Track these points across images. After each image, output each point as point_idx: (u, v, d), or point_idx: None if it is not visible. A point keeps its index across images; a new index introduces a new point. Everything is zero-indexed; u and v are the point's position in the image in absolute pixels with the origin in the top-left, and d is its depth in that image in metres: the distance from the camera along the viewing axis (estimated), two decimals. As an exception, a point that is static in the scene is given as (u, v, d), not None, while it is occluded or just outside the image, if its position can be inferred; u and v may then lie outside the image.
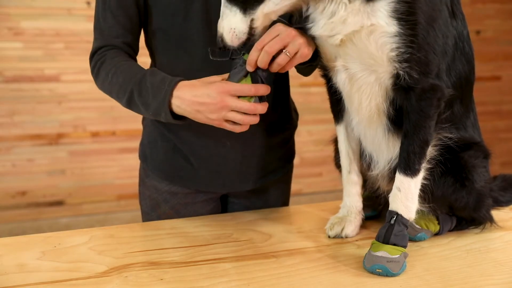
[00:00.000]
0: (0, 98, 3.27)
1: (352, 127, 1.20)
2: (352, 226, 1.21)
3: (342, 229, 1.20)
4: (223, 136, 1.28)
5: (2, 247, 1.13)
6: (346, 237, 1.20)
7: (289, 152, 1.48)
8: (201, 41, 1.23)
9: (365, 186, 1.35)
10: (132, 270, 1.02)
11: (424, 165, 1.07)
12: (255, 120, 1.10)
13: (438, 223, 1.20)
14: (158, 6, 1.23)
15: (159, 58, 1.30)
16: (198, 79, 1.14)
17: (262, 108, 1.09)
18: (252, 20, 1.03)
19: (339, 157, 1.29)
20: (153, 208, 1.40)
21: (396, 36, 0.98)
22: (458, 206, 1.17)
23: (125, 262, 1.06)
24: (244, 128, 1.12)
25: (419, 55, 0.99)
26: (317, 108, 3.83)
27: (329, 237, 1.20)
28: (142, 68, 1.21)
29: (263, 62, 1.05)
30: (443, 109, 1.07)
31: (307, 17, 1.06)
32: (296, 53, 1.05)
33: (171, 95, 1.11)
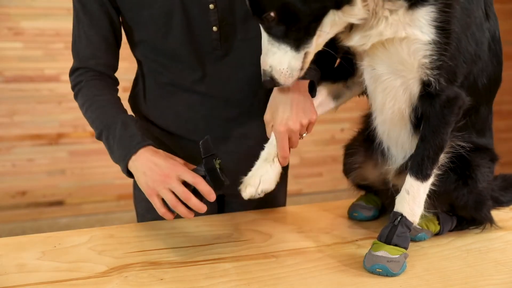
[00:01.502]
0: (0, 98, 3.26)
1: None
2: (269, 175, 1.12)
3: (258, 186, 1.11)
4: (217, 140, 1.28)
5: (2, 247, 1.13)
6: (263, 192, 1.11)
7: None
8: (185, 53, 1.24)
9: (365, 186, 1.35)
10: (132, 270, 1.02)
11: (435, 171, 1.08)
12: (184, 212, 1.06)
13: (439, 223, 1.20)
14: (140, 21, 1.22)
15: (146, 67, 1.31)
16: (166, 153, 1.14)
17: (198, 206, 1.05)
18: (306, 53, 0.99)
19: (348, 163, 1.29)
20: (149, 210, 1.40)
21: (430, 44, 0.96)
22: (458, 204, 1.17)
23: (125, 262, 1.06)
24: (168, 216, 1.09)
25: (450, 63, 0.99)
26: (317, 108, 3.82)
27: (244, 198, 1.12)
28: (116, 108, 1.22)
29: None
30: (461, 118, 1.08)
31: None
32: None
33: (134, 154, 1.12)
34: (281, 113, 1.10)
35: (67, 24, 3.30)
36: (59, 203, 3.47)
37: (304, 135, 1.14)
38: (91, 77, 1.25)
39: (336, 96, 1.21)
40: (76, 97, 1.27)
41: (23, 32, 3.25)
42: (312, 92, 1.16)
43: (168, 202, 1.07)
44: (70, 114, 3.40)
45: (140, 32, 1.24)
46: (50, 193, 3.45)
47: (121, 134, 1.16)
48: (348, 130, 3.94)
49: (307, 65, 1.01)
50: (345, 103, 1.24)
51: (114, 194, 3.57)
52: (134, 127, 1.17)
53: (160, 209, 1.08)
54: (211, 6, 1.19)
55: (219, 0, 1.19)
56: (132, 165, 1.13)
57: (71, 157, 3.45)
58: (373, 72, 1.06)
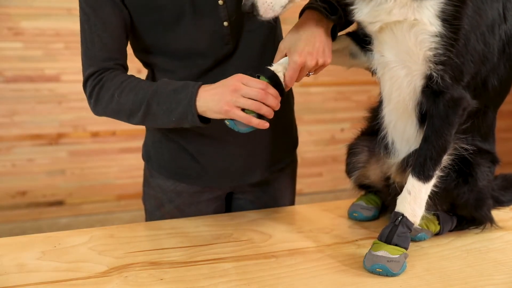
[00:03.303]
0: (0, 98, 3.26)
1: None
2: None
3: None
4: (226, 134, 1.29)
5: (2, 247, 1.13)
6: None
7: (292, 138, 1.49)
8: (196, 51, 1.23)
9: (367, 186, 1.35)
10: (132, 270, 1.02)
11: (437, 173, 1.07)
12: (268, 110, 1.09)
13: (439, 223, 1.20)
14: (149, 25, 1.21)
15: (155, 69, 1.29)
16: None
17: (275, 102, 1.09)
18: None
19: (352, 162, 1.29)
20: (157, 208, 1.41)
21: (437, 36, 0.97)
22: (459, 202, 1.17)
23: (125, 262, 1.06)
24: (257, 122, 1.09)
25: (456, 60, 0.98)
26: (317, 108, 3.83)
27: None
28: (150, 81, 1.20)
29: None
30: (467, 120, 1.08)
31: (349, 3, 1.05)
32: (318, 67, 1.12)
33: (197, 95, 1.12)
34: (302, 45, 1.09)
35: (67, 24, 3.32)
36: (59, 203, 3.47)
37: (311, 74, 1.14)
38: (111, 72, 1.21)
39: (352, 54, 1.21)
40: (98, 97, 1.21)
41: (23, 32, 3.24)
42: (333, 36, 1.16)
43: (250, 107, 1.08)
44: (70, 114, 3.39)
45: (149, 35, 1.23)
46: (50, 193, 3.45)
47: (173, 89, 1.15)
48: (348, 130, 3.96)
49: (291, 5, 1.02)
50: (357, 67, 1.23)
51: (114, 194, 3.56)
52: (175, 81, 1.17)
53: (249, 119, 1.08)
54: (220, 2, 1.20)
55: None
56: (200, 104, 1.12)
57: (71, 157, 3.45)
58: (382, 58, 1.07)
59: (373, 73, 1.17)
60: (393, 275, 0.99)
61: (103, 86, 1.20)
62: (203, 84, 1.14)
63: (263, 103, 1.07)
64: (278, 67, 1.11)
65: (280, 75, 1.10)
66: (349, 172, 1.32)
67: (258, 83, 1.08)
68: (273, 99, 1.09)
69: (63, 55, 3.30)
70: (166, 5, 1.18)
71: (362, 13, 1.02)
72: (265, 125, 1.09)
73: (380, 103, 1.22)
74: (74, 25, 3.26)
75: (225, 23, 1.22)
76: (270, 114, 1.09)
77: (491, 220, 1.24)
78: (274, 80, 1.10)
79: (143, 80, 1.22)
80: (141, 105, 1.16)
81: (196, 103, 1.12)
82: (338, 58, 1.19)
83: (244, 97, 1.07)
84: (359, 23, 1.11)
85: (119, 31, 1.21)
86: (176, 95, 1.14)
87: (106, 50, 1.21)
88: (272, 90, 1.09)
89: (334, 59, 1.14)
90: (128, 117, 1.20)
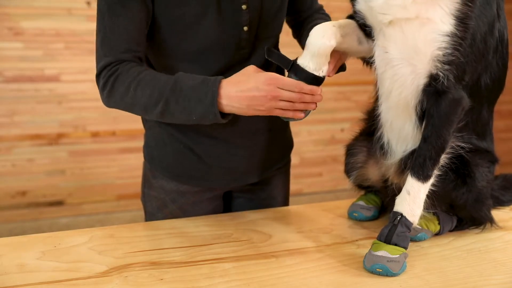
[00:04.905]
0: (0, 98, 3.26)
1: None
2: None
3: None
4: (231, 136, 1.29)
5: (2, 247, 1.13)
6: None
7: (287, 140, 1.50)
8: (210, 53, 1.22)
9: (366, 186, 1.35)
10: (132, 270, 1.02)
11: (435, 172, 1.07)
12: (309, 105, 1.11)
13: (439, 223, 1.20)
14: (169, 20, 1.18)
15: (165, 73, 1.24)
16: (237, 73, 1.12)
17: (315, 94, 1.10)
18: None
19: (350, 162, 1.29)
20: (160, 209, 1.40)
21: (448, 36, 0.97)
22: (458, 203, 1.17)
23: (125, 262, 1.06)
24: (297, 115, 1.12)
25: (462, 60, 0.99)
26: (317, 108, 3.81)
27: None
28: (167, 75, 1.16)
29: None
30: (462, 119, 1.08)
31: None
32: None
33: (218, 95, 1.09)
34: None
35: (67, 24, 3.32)
36: (59, 203, 3.47)
37: None
38: (127, 64, 1.17)
39: (359, 40, 1.18)
40: (112, 89, 1.15)
41: (23, 32, 3.24)
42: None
43: (289, 108, 1.09)
44: (70, 114, 3.40)
45: (167, 34, 1.20)
46: (50, 193, 3.45)
47: (192, 86, 1.11)
48: (348, 130, 3.97)
49: None
50: (360, 55, 1.21)
51: (114, 194, 3.57)
52: (192, 75, 1.14)
53: (295, 113, 1.11)
54: (244, 6, 1.19)
55: (251, 0, 1.20)
56: (227, 106, 1.09)
57: (71, 157, 3.45)
58: (385, 55, 1.06)
59: (366, 62, 1.16)
60: (393, 275, 0.99)
61: (118, 77, 1.16)
62: (223, 78, 1.11)
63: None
64: (305, 60, 1.09)
65: (313, 68, 1.09)
66: (347, 172, 1.32)
67: (293, 85, 1.07)
68: (311, 97, 1.09)
69: (63, 55, 3.30)
70: (192, 2, 1.16)
71: (376, 2, 1.01)
72: (312, 107, 1.12)
73: (375, 101, 1.21)
74: (74, 25, 3.26)
75: (245, 28, 1.21)
76: (311, 106, 1.11)
77: (491, 220, 1.24)
78: (309, 78, 1.08)
79: (159, 73, 1.17)
80: (157, 102, 1.13)
81: (222, 104, 1.09)
82: (347, 42, 1.16)
83: (282, 101, 1.08)
84: (366, 13, 1.08)
85: (143, 24, 1.17)
86: (195, 93, 1.10)
87: (129, 41, 1.17)
88: (308, 88, 1.08)
89: (343, 43, 1.13)
90: (143, 112, 1.18)
